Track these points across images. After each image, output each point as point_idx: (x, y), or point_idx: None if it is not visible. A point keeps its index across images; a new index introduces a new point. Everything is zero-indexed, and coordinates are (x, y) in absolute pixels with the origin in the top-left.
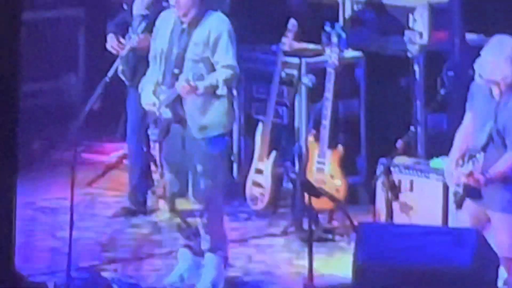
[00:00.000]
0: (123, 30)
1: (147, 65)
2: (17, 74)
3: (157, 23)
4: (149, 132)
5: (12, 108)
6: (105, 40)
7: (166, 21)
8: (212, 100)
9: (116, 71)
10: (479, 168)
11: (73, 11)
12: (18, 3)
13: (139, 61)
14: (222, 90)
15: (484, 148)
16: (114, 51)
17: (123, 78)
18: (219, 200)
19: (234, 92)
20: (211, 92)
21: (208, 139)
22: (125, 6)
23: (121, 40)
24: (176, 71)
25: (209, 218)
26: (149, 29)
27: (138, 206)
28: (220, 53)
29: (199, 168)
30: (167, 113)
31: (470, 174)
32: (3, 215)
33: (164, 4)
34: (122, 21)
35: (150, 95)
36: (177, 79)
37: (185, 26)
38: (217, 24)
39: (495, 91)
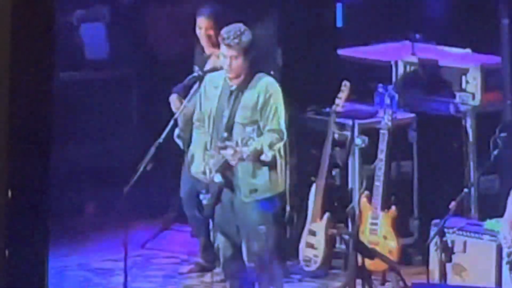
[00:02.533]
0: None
1: None
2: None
3: (204, 85)
4: (201, 197)
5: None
6: (158, 101)
7: (214, 83)
8: (261, 164)
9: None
10: None
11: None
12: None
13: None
14: (266, 156)
15: None
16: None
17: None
18: (274, 262)
19: (283, 154)
20: (257, 158)
21: (257, 202)
22: (196, 70)
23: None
24: (225, 134)
25: (266, 281)
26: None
27: (210, 263)
28: (267, 117)
29: (251, 231)
30: (218, 178)
31: None
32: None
33: None
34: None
35: (200, 162)
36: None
37: (233, 88)
38: (266, 87)
39: None
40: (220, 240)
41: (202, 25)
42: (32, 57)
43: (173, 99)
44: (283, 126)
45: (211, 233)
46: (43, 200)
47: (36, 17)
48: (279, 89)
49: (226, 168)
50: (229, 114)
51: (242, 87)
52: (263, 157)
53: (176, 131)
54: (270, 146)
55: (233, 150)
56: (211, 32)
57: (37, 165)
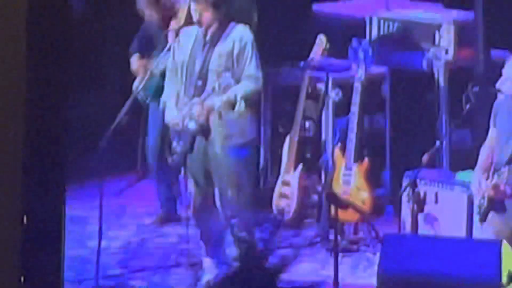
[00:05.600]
0: (148, 48)
1: None
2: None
3: (179, 36)
4: (174, 144)
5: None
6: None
7: (188, 36)
8: (234, 113)
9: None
10: (504, 181)
11: None
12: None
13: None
14: (240, 107)
15: (509, 162)
16: (139, 74)
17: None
18: (246, 208)
19: (256, 104)
20: (230, 108)
21: (231, 148)
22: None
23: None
24: (200, 83)
25: (237, 227)
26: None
27: (171, 216)
28: (244, 63)
29: (224, 177)
30: (192, 125)
31: (495, 186)
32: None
33: None
34: (146, 37)
35: (173, 110)
36: (201, 90)
37: (208, 38)
38: (241, 35)
39: None
40: (192, 187)
41: None
42: None
43: (134, 59)
44: (259, 73)
45: (177, 183)
46: None
47: None
48: (253, 37)
49: (200, 116)
50: (203, 63)
51: (216, 36)
52: (236, 107)
53: (136, 85)
54: (245, 96)
55: (204, 107)
56: None
57: None
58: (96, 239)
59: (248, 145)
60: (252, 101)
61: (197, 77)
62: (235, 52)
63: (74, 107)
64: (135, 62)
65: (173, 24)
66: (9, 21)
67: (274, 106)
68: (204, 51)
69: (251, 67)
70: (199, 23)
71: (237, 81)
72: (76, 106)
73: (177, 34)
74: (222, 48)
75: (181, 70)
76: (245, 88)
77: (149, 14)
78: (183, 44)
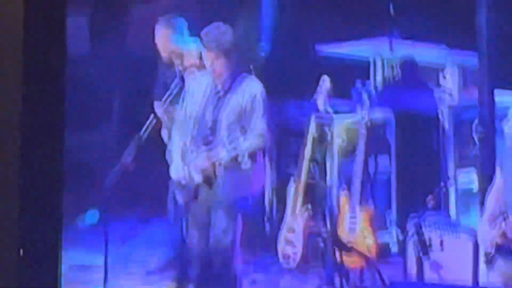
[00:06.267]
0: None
1: None
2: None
3: (189, 87)
4: (176, 194)
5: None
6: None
7: (199, 84)
8: (240, 168)
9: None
10: None
11: None
12: None
13: None
14: (245, 164)
15: None
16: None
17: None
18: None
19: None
20: (235, 162)
21: (236, 200)
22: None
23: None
24: (208, 133)
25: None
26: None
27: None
28: (253, 121)
29: (220, 223)
30: (197, 177)
31: (503, 233)
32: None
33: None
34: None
35: (178, 164)
36: (208, 141)
37: (219, 88)
38: (252, 88)
39: None
40: (191, 232)
41: None
42: None
43: (157, 106)
44: (265, 129)
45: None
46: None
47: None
48: (263, 90)
49: (205, 168)
50: (213, 113)
51: (227, 87)
52: (243, 165)
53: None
54: (251, 152)
55: (210, 161)
56: None
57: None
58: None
59: (253, 197)
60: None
61: (206, 127)
62: (245, 105)
63: (72, 149)
64: (158, 109)
65: (183, 65)
66: (5, 59)
67: (279, 148)
68: (215, 101)
69: (259, 123)
70: (211, 70)
71: (245, 132)
72: (76, 148)
73: (182, 77)
74: (232, 100)
75: (191, 119)
76: (251, 144)
77: (162, 51)
78: (194, 92)
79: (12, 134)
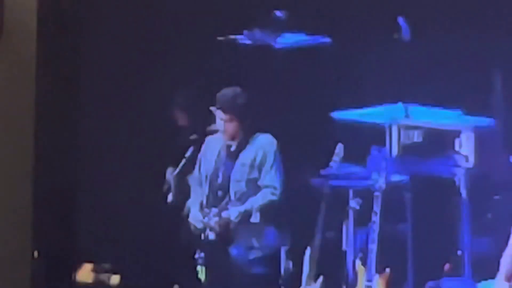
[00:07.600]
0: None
1: None
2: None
3: (203, 148)
4: (196, 256)
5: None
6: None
7: (213, 147)
8: (250, 223)
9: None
10: None
11: None
12: None
13: None
14: (255, 218)
15: None
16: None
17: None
18: None
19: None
20: (246, 219)
21: (251, 261)
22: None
23: None
24: (220, 193)
25: None
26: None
27: None
28: (265, 173)
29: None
30: (212, 236)
31: None
32: None
33: None
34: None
35: (197, 213)
36: (220, 201)
37: (232, 149)
38: (264, 144)
39: None
40: None
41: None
42: None
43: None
44: (278, 183)
45: None
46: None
47: None
48: (276, 143)
49: (218, 227)
50: (225, 173)
51: (240, 148)
52: (252, 219)
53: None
54: (262, 207)
55: (222, 219)
56: None
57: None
58: None
59: (267, 257)
60: (270, 212)
61: (218, 187)
62: (258, 160)
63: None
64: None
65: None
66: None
67: (294, 215)
68: (227, 162)
69: (270, 176)
70: (224, 132)
71: (257, 188)
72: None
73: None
74: (244, 158)
75: (205, 181)
76: (262, 199)
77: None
78: (208, 155)
79: (26, 132)
